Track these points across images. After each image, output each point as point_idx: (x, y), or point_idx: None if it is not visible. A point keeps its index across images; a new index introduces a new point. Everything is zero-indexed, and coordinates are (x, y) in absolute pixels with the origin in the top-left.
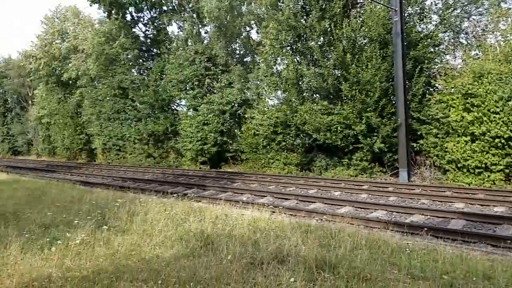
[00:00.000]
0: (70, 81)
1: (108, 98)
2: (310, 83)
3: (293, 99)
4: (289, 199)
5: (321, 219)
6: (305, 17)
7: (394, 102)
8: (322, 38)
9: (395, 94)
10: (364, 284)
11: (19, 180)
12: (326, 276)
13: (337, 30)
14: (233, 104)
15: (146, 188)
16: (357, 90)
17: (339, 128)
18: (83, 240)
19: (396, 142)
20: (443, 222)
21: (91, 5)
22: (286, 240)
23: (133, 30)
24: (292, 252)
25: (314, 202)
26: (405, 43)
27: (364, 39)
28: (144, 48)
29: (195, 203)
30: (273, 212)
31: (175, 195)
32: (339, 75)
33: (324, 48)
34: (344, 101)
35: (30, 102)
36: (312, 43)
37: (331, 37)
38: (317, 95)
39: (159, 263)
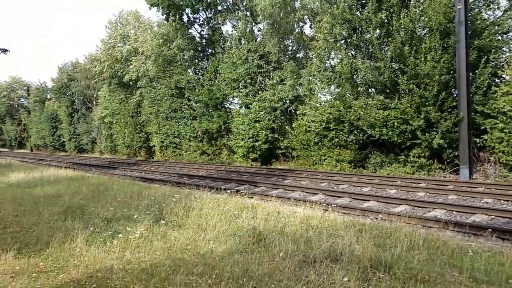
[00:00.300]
0: (131, 82)
1: (165, 97)
2: (365, 77)
3: (347, 94)
4: (342, 197)
5: (376, 218)
6: (360, 9)
7: (455, 95)
8: (378, 31)
9: (456, 86)
10: (421, 286)
11: (84, 176)
12: (381, 276)
13: (394, 21)
14: (284, 100)
15: (200, 184)
16: (415, 84)
17: (395, 123)
18: (142, 234)
19: (457, 138)
20: (510, 223)
21: (150, 9)
22: (339, 238)
23: (189, 31)
24: (345, 251)
25: (368, 200)
26: (469, 32)
27: (424, 30)
28: (199, 48)
29: (247, 200)
30: (326, 210)
31: (228, 191)
32: (396, 68)
33: (380, 41)
34: (401, 95)
35: (94, 102)
36: (368, 35)
37: (388, 28)
38: (373, 89)
39: (213, 258)
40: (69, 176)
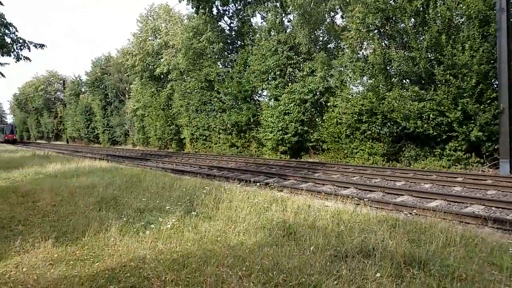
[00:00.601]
0: (162, 76)
1: (195, 90)
2: (399, 68)
3: (380, 85)
4: (375, 191)
5: (410, 213)
6: None
7: (495, 86)
8: (413, 19)
9: (497, 77)
10: (458, 284)
11: (117, 168)
12: (416, 273)
13: (430, 10)
14: (315, 92)
15: (230, 176)
16: (452, 74)
17: (431, 115)
18: (173, 225)
19: (497, 130)
20: None
21: (180, 2)
22: (371, 234)
23: (219, 23)
24: (378, 246)
25: (402, 195)
26: (511, 20)
27: (462, 18)
28: (229, 41)
29: (276, 193)
30: (358, 204)
31: (257, 183)
32: (432, 58)
33: (415, 30)
34: (438, 86)
35: (126, 96)
36: (402, 25)
37: (423, 17)
38: (407, 80)
39: (243, 250)
40: (103, 168)
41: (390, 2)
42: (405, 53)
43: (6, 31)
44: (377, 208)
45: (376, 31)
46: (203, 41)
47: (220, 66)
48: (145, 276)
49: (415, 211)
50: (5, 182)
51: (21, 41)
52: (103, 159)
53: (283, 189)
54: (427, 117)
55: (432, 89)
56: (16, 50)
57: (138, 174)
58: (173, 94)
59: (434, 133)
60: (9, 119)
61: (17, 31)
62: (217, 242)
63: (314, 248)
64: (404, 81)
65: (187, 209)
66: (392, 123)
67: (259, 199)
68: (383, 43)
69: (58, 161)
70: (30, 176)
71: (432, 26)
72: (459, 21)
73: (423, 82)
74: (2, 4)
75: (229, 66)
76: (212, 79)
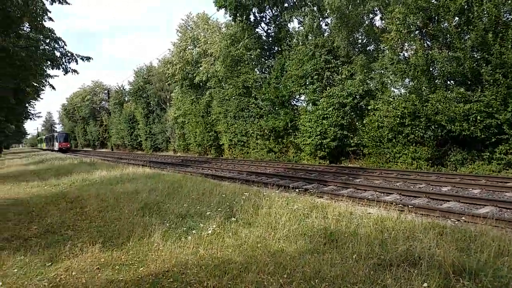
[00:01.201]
0: (201, 83)
1: (233, 97)
2: (443, 69)
3: (423, 87)
4: (419, 197)
5: (458, 220)
6: None
7: None
8: (457, 18)
9: None
10: None
11: (159, 174)
12: (466, 284)
13: (475, 8)
14: (354, 96)
15: (268, 182)
16: (501, 73)
17: (478, 117)
18: (214, 231)
19: None
20: None
21: (218, 10)
22: (417, 242)
23: (256, 30)
24: (424, 255)
25: (449, 201)
26: None
27: (510, 14)
28: (265, 47)
29: (316, 199)
30: (401, 211)
31: (296, 189)
32: (478, 57)
33: (459, 29)
34: (485, 86)
35: (168, 104)
36: (446, 24)
37: (468, 16)
38: (452, 81)
39: (284, 257)
40: (146, 174)
41: (432, 1)
42: (449, 53)
43: (56, 45)
44: (422, 215)
45: (417, 31)
46: (240, 48)
47: (257, 72)
48: (187, 282)
49: (463, 218)
50: (55, 189)
51: (69, 54)
52: (146, 166)
53: (323, 195)
54: (474, 119)
55: (479, 89)
56: (65, 64)
57: (179, 180)
58: (211, 101)
59: (482, 136)
60: (58, 128)
61: (65, 45)
62: (257, 248)
63: (357, 256)
64: (449, 82)
65: (227, 215)
66: (436, 126)
67: (299, 206)
68: (425, 44)
69: (104, 168)
70: (78, 182)
71: (478, 24)
72: (508, 18)
73: (469, 82)
74: (52, 20)
75: (266, 72)
76: (250, 85)
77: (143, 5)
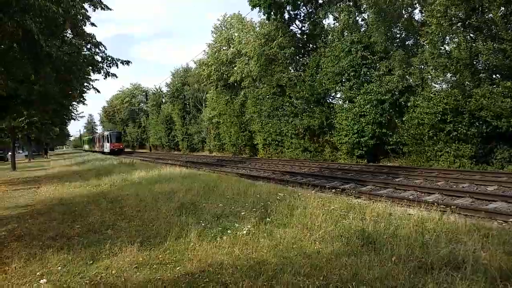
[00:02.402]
0: (235, 83)
1: (267, 96)
2: (488, 62)
3: (466, 82)
4: (463, 197)
5: (505, 222)
6: None
7: None
8: (503, 8)
9: None
10: None
11: (196, 174)
12: None
13: None
14: (393, 92)
15: (303, 182)
16: None
17: None
18: (249, 231)
19: None
20: None
21: (252, 9)
22: (460, 244)
23: (290, 28)
24: (469, 258)
25: (495, 201)
26: None
27: None
28: (300, 45)
29: (353, 199)
30: (443, 211)
31: (332, 190)
32: None
33: (506, 20)
34: None
35: (203, 104)
36: (490, 15)
37: None
38: (497, 75)
39: (320, 259)
40: (182, 174)
41: None
42: (494, 45)
43: (97, 50)
44: (466, 216)
45: (459, 24)
46: (274, 47)
47: (292, 71)
48: (223, 282)
49: (511, 219)
50: (96, 189)
51: (109, 59)
52: (182, 166)
53: (360, 195)
54: None
55: None
56: (105, 68)
57: (215, 179)
58: (246, 101)
59: None
60: (99, 129)
61: (106, 49)
62: (293, 249)
63: (396, 258)
64: (494, 76)
65: (262, 215)
66: (480, 122)
67: (335, 206)
68: (468, 36)
69: (142, 169)
70: (118, 183)
71: None
72: None
73: None
74: (95, 26)
75: (300, 70)
76: (284, 84)
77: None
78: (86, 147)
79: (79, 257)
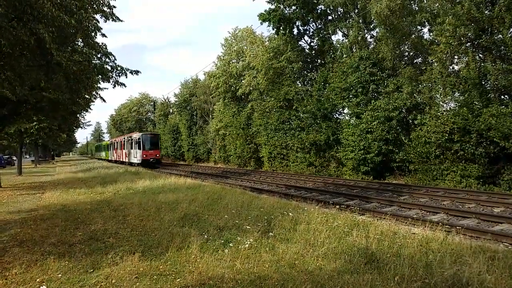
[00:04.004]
0: (243, 96)
1: (274, 109)
2: (497, 82)
3: (475, 102)
4: (469, 218)
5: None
6: (490, 7)
7: None
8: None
9: None
10: None
11: (200, 185)
12: None
13: None
14: (400, 109)
15: (307, 197)
16: None
17: None
18: (251, 245)
19: None
20: None
21: (261, 24)
22: (465, 266)
23: (299, 43)
24: (473, 280)
25: (501, 223)
26: None
27: None
28: (308, 60)
29: (358, 216)
30: (448, 232)
31: (336, 206)
32: None
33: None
34: None
35: (210, 116)
36: (500, 35)
37: None
38: (506, 96)
39: (322, 276)
40: (187, 184)
41: (486, 12)
42: (503, 65)
43: (107, 59)
44: (471, 237)
45: (468, 43)
46: (282, 61)
47: (299, 85)
48: None
49: None
50: (100, 197)
51: (119, 68)
52: (187, 176)
53: (365, 212)
54: None
55: None
56: (115, 77)
57: (219, 191)
58: (252, 114)
59: None
60: (106, 137)
61: (115, 59)
62: (295, 265)
63: (399, 278)
64: (503, 96)
65: (265, 229)
66: (488, 142)
67: (339, 223)
68: (477, 56)
69: (147, 178)
70: (122, 191)
71: None
72: None
73: None
74: (105, 36)
75: (308, 85)
76: (291, 98)
77: (183, 22)
78: (102, 155)
79: (80, 264)
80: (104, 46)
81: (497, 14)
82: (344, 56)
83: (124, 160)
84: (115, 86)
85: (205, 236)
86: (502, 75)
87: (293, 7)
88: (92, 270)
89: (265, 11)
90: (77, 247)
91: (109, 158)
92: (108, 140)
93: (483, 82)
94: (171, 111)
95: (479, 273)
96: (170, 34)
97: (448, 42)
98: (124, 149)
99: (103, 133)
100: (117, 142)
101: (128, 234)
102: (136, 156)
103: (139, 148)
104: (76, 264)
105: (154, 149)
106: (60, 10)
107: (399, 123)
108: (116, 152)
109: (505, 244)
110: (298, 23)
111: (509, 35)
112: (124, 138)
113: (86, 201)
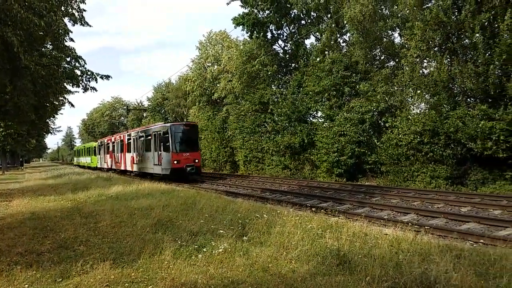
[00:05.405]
0: (218, 100)
1: (250, 113)
2: (464, 85)
3: (443, 104)
4: (437, 218)
5: (477, 242)
6: (456, 12)
7: None
8: (477, 35)
9: None
10: None
11: (174, 189)
12: None
13: (500, 23)
14: (373, 112)
15: (282, 200)
16: None
17: (501, 136)
18: (225, 249)
19: None
20: None
21: (235, 27)
22: (433, 264)
23: (273, 47)
24: (441, 278)
25: (468, 222)
26: None
27: None
28: (283, 64)
29: (331, 218)
30: (418, 231)
31: (311, 208)
32: (501, 73)
33: (481, 45)
34: (510, 103)
35: (185, 120)
36: (466, 40)
37: (494, 31)
38: (472, 99)
39: (294, 279)
40: (161, 189)
41: (453, 17)
42: (470, 69)
43: (77, 64)
44: (439, 236)
45: (436, 48)
46: (256, 64)
47: (274, 88)
48: None
49: (482, 240)
50: (71, 203)
51: (89, 73)
52: (161, 181)
53: (338, 214)
54: (496, 138)
55: (502, 107)
56: (85, 82)
57: (193, 196)
58: (228, 118)
59: (505, 155)
60: (78, 142)
61: (85, 63)
62: (268, 269)
63: (370, 278)
64: (469, 100)
65: (239, 233)
66: (456, 144)
67: (313, 225)
68: (445, 60)
69: (120, 183)
70: (94, 197)
71: (503, 39)
72: None
73: (491, 100)
74: (73, 41)
75: (283, 88)
76: (266, 101)
77: (163, 24)
78: (85, 161)
79: (48, 274)
80: (73, 50)
81: (464, 19)
82: (317, 59)
83: (128, 168)
84: (85, 90)
85: (179, 242)
86: (468, 78)
87: (267, 11)
88: (60, 279)
89: (239, 15)
90: (46, 256)
91: (98, 166)
92: (96, 141)
93: (451, 85)
94: (144, 115)
95: (446, 271)
96: (144, 38)
97: (417, 46)
98: (129, 151)
99: (75, 138)
100: (114, 142)
101: (99, 242)
102: (159, 162)
103: (166, 150)
104: (44, 273)
105: (192, 150)
106: (28, 11)
107: (371, 125)
108: (112, 157)
109: (471, 242)
110: (272, 27)
111: (475, 40)
112: (128, 134)
113: (56, 208)
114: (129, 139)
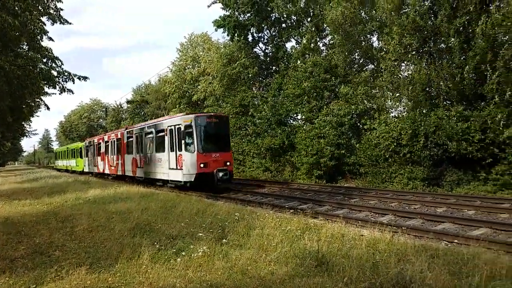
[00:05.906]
0: (198, 102)
1: (230, 115)
2: (439, 88)
3: (421, 106)
4: (414, 218)
5: (451, 242)
6: (432, 17)
7: None
8: (453, 39)
9: None
10: None
11: (153, 192)
12: None
13: (476, 28)
14: (352, 115)
15: (263, 202)
16: (500, 92)
17: (476, 136)
18: (204, 253)
19: None
20: None
21: (216, 30)
22: (409, 264)
23: (254, 50)
24: (416, 278)
25: (443, 222)
26: None
27: (505, 37)
28: (263, 66)
29: (310, 219)
30: (395, 232)
31: (290, 210)
32: (475, 78)
33: (456, 49)
34: (483, 106)
35: None
36: (442, 45)
37: (468, 35)
38: (448, 101)
39: (273, 281)
40: (140, 193)
41: (429, 22)
42: (446, 72)
43: (53, 64)
44: (416, 236)
45: (414, 52)
46: (237, 67)
47: (255, 91)
48: None
49: (456, 240)
50: (47, 207)
51: (66, 74)
52: (140, 184)
53: (317, 215)
54: (471, 138)
55: (477, 109)
56: (61, 83)
57: (173, 199)
58: None
59: (479, 155)
60: (55, 145)
61: (62, 64)
62: (247, 271)
63: (348, 279)
64: (445, 102)
65: (219, 236)
66: (433, 145)
67: (292, 227)
68: (422, 63)
69: (98, 187)
70: (71, 201)
71: (478, 43)
72: (503, 39)
73: (466, 102)
74: (52, 40)
75: (263, 91)
76: (247, 103)
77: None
78: (69, 164)
79: (22, 280)
80: (50, 51)
81: (439, 24)
82: (297, 62)
83: (128, 174)
84: (62, 92)
85: (157, 246)
86: (444, 81)
87: (248, 14)
88: (34, 285)
89: (220, 17)
90: (19, 262)
91: (85, 170)
92: (83, 141)
93: (428, 88)
94: (123, 117)
95: (421, 271)
96: (122, 40)
97: (395, 50)
98: (130, 153)
99: (52, 141)
100: (108, 142)
101: (76, 246)
102: (179, 165)
103: (189, 150)
104: (17, 280)
105: (223, 150)
106: (2, 11)
107: (350, 128)
108: (104, 160)
109: (446, 242)
110: (252, 30)
111: (450, 44)
112: (129, 132)
113: (32, 213)
114: (129, 137)
